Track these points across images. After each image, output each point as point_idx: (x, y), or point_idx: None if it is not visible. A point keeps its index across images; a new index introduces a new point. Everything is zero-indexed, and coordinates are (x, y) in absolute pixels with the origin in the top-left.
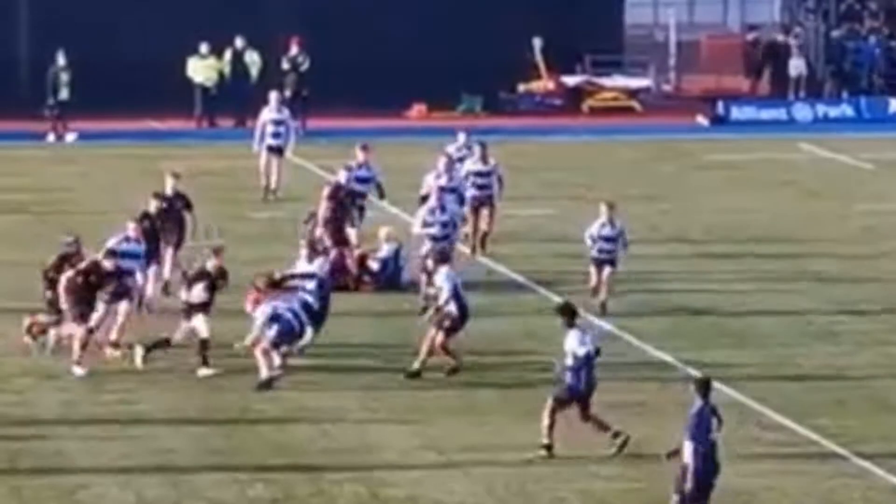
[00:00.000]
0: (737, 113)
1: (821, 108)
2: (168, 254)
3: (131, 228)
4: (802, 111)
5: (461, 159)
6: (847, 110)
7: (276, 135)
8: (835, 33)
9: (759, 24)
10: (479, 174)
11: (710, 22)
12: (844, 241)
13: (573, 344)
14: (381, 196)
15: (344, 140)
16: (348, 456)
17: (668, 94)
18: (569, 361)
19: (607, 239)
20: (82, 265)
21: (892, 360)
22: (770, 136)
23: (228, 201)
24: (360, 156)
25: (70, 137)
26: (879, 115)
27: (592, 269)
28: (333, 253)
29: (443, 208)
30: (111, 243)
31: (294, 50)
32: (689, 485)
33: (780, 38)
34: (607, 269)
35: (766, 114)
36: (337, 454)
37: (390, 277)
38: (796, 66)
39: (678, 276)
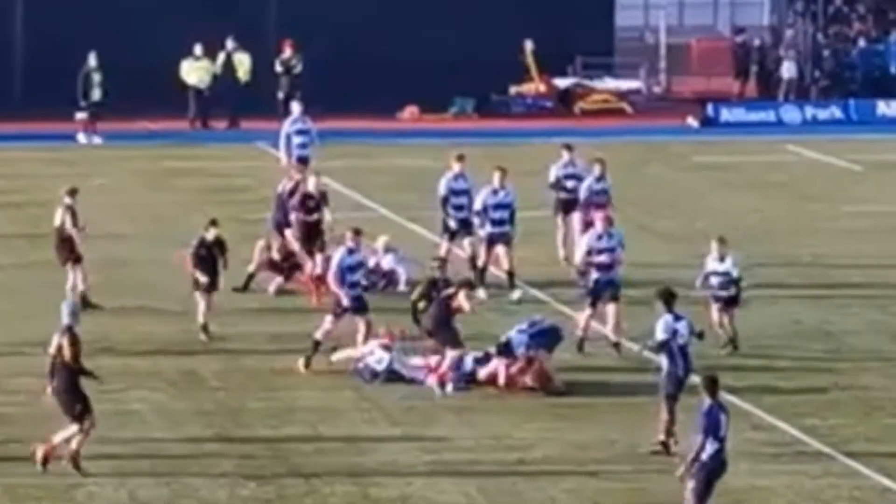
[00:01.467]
0: (726, 115)
1: (809, 111)
2: (71, 271)
3: (350, 238)
4: (791, 113)
5: (572, 177)
6: (835, 112)
7: (303, 145)
8: (821, 36)
9: (749, 26)
10: (598, 192)
11: (699, 25)
12: (833, 243)
13: (657, 329)
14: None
15: (334, 141)
16: (340, 456)
17: (659, 97)
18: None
19: (722, 274)
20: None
21: (880, 361)
22: (759, 137)
23: (223, 203)
24: (455, 167)
25: (97, 139)
26: (867, 117)
27: (714, 309)
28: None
29: (609, 235)
30: (336, 260)
31: (287, 52)
32: (699, 481)
33: (767, 40)
34: (732, 310)
35: (756, 116)
36: (329, 454)
37: (390, 282)
38: (788, 68)
39: (668, 276)
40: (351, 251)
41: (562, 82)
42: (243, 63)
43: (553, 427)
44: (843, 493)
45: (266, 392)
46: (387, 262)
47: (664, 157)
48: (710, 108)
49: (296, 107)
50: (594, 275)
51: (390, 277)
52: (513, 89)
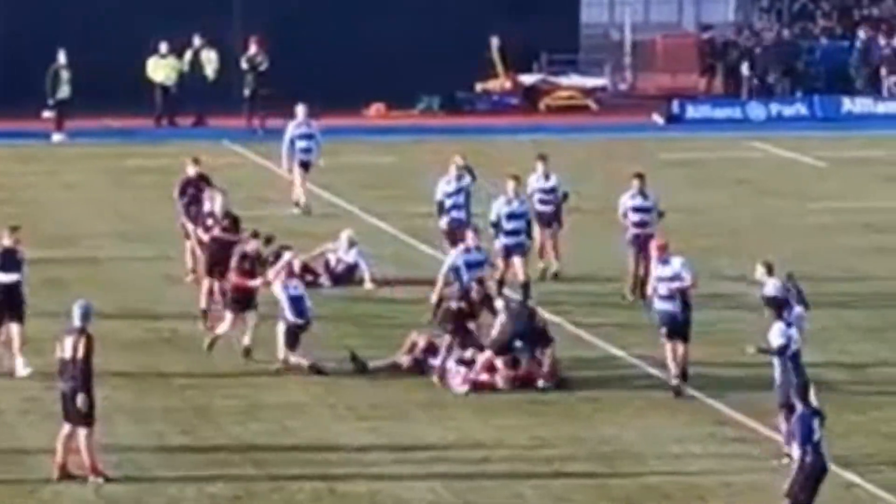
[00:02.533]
0: (692, 111)
1: (774, 107)
2: None
3: (471, 238)
4: (756, 110)
5: (545, 190)
6: (801, 109)
7: (306, 150)
8: (787, 32)
9: (714, 23)
10: (637, 210)
11: (665, 21)
12: (798, 239)
13: (773, 336)
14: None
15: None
16: (307, 452)
17: (624, 93)
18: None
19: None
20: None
21: (850, 358)
22: (725, 134)
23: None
24: (452, 170)
25: (57, 137)
26: (832, 113)
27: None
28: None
29: (665, 261)
30: (450, 259)
31: (253, 49)
32: (799, 486)
33: (732, 37)
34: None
35: (721, 112)
36: (296, 450)
37: (350, 276)
38: (748, 66)
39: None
40: (468, 249)
41: (527, 79)
42: (211, 60)
43: (520, 424)
44: None
45: (233, 389)
46: (350, 256)
47: (629, 154)
48: (675, 105)
49: (300, 110)
50: (658, 306)
51: (354, 272)
52: (479, 86)
